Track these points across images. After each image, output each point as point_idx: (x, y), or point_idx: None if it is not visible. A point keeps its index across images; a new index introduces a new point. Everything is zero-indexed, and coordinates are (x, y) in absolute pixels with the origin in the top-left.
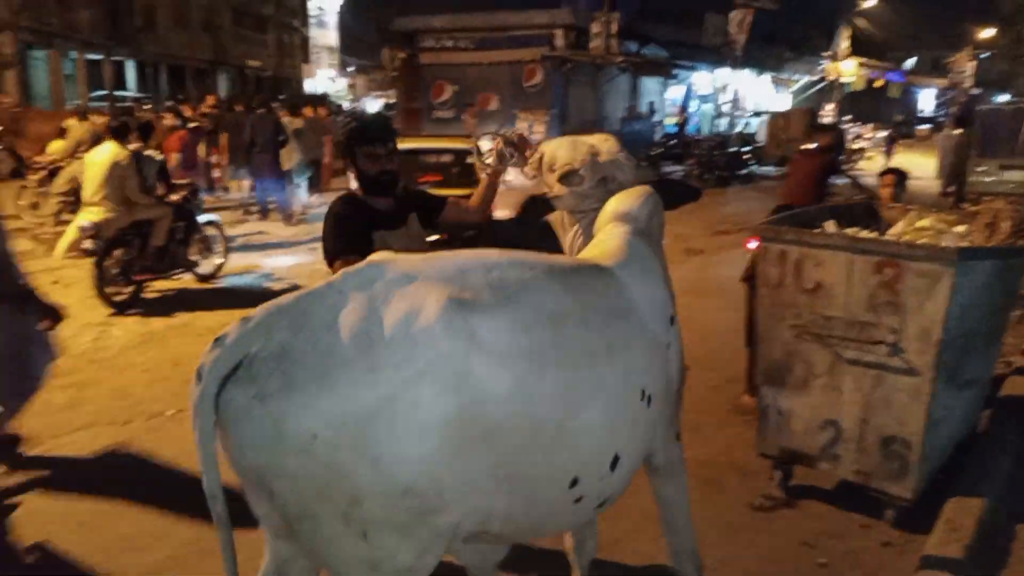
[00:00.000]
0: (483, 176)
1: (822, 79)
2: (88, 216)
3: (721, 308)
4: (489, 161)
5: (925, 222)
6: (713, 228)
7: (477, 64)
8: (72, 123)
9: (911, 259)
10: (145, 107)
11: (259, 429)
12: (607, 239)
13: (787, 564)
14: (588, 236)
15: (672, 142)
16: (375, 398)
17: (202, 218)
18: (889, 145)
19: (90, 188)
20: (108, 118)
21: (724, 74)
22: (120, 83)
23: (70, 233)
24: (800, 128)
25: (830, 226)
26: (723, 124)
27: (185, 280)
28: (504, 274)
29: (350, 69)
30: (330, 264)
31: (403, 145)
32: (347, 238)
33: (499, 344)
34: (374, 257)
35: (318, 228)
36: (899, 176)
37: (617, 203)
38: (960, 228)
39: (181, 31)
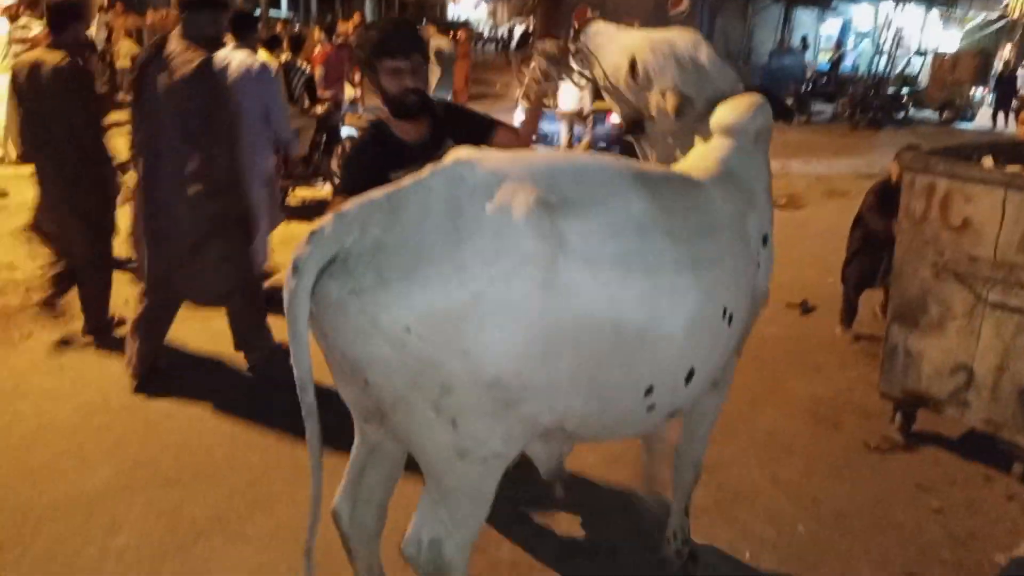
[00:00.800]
0: (525, 101)
1: (1002, 16)
2: None
3: None
4: (534, 79)
5: None
6: (859, 172)
7: None
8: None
9: None
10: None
11: (354, 322)
12: (709, 152)
13: (897, 505)
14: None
15: (823, 80)
16: (464, 295)
17: (344, 131)
18: None
19: None
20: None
21: (887, 8)
22: (274, 2)
23: None
24: (969, 73)
25: (987, 161)
26: (882, 63)
27: (326, 191)
28: (594, 178)
29: None
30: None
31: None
32: (354, 177)
33: (586, 248)
34: (461, 153)
35: None
36: None
37: (725, 114)
38: None
39: None
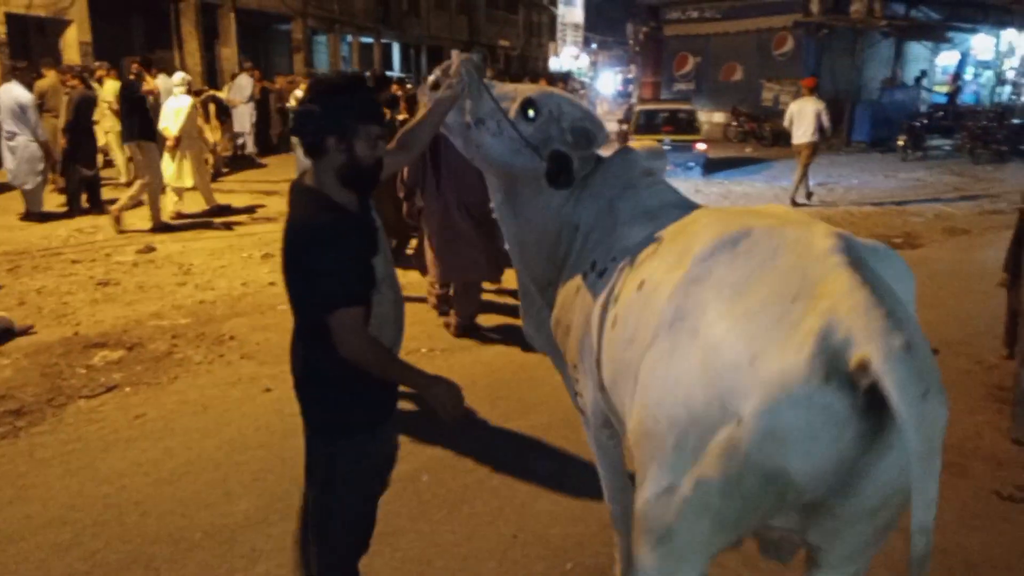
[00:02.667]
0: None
1: None
2: None
3: (980, 292)
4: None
5: None
6: (982, 207)
7: (723, 34)
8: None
9: None
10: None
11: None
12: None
13: None
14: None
15: (939, 113)
16: None
17: None
18: None
19: None
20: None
21: (1011, 36)
22: (387, 63)
23: None
24: None
25: None
26: (1006, 93)
27: None
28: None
29: (592, 46)
30: (330, 312)
31: (645, 107)
32: (358, 274)
33: None
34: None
35: None
36: None
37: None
38: None
39: (441, 14)
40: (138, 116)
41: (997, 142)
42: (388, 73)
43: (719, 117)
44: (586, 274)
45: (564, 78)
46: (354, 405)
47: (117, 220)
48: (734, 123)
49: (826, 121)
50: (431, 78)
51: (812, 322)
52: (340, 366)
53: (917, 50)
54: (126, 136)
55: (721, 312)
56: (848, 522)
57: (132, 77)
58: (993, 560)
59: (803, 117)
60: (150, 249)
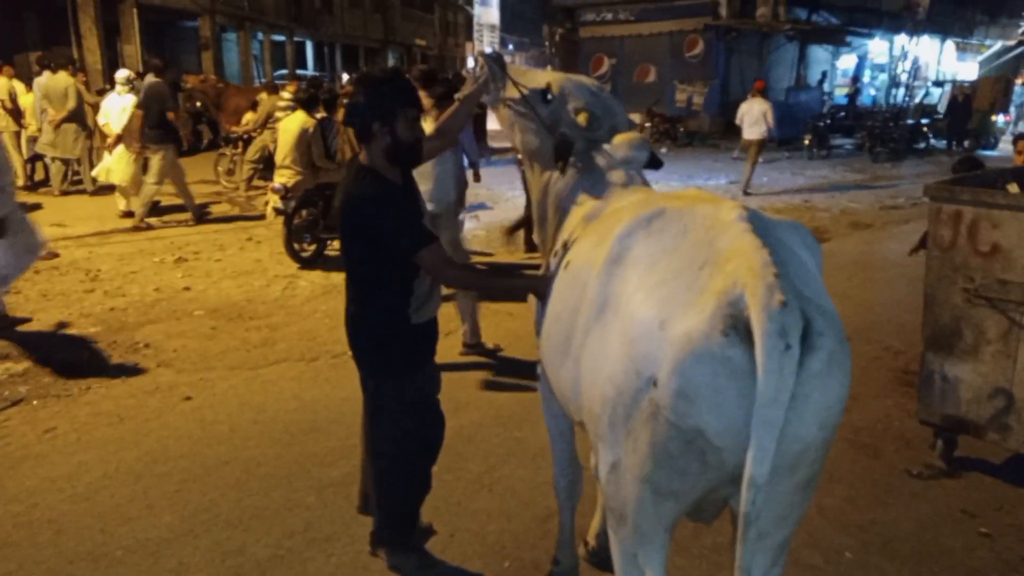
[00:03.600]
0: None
1: (1020, 43)
2: (281, 178)
3: (885, 281)
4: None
5: None
6: (882, 202)
7: (636, 36)
8: (263, 97)
9: None
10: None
11: (839, 390)
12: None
13: (944, 531)
14: (585, 182)
15: (841, 114)
16: None
17: None
18: None
19: (281, 152)
20: (296, 89)
21: (902, 41)
22: (301, 62)
23: (272, 198)
24: (991, 98)
25: (1013, 188)
26: (900, 95)
27: None
28: None
29: (510, 47)
30: (415, 252)
31: None
32: (419, 228)
33: None
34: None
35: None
36: None
37: (623, 144)
38: None
39: (356, 12)
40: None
41: (894, 140)
42: (299, 72)
43: (635, 118)
44: (556, 251)
45: None
46: (392, 353)
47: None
48: (648, 124)
49: (771, 121)
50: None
51: (717, 283)
52: (380, 323)
53: (819, 53)
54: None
55: (637, 285)
56: (743, 486)
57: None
58: (906, 535)
59: (752, 116)
60: (52, 255)
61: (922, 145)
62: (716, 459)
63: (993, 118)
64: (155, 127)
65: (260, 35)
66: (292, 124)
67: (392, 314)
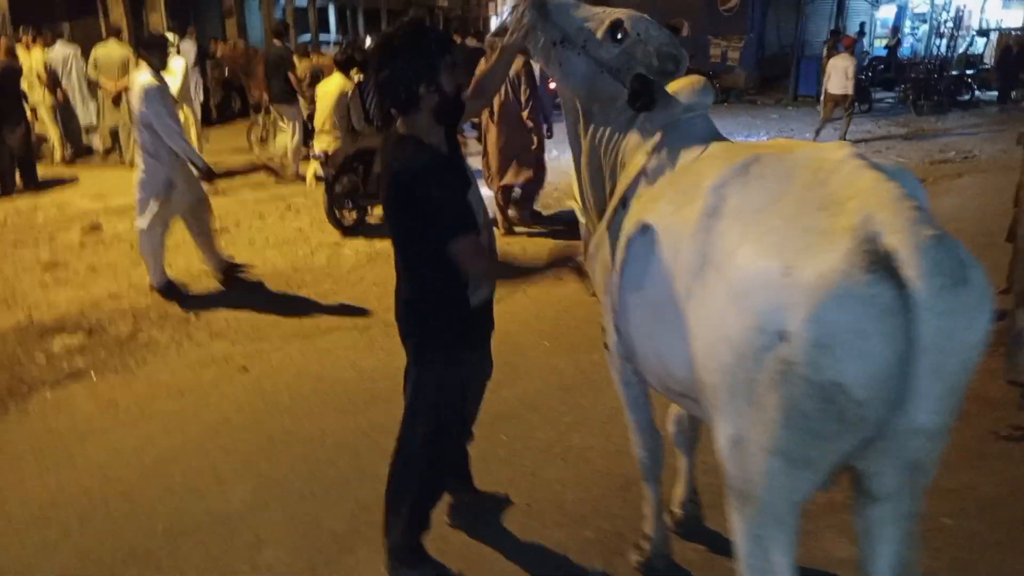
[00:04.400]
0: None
1: None
2: (320, 144)
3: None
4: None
5: None
6: (931, 156)
7: None
8: (295, 61)
9: None
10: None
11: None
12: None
13: None
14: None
15: (881, 66)
16: None
17: None
18: None
19: (320, 117)
20: (326, 56)
21: None
22: (323, 26)
23: (313, 165)
24: None
25: None
26: (943, 45)
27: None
28: None
29: None
30: (450, 241)
31: None
32: (463, 207)
33: None
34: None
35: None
36: None
37: (691, 89)
38: None
39: None
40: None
41: (938, 93)
42: (323, 36)
43: None
44: (616, 209)
45: None
46: (435, 337)
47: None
48: None
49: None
50: (498, 23)
51: (845, 220)
52: (431, 304)
53: (858, 4)
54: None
55: (743, 235)
56: (906, 437)
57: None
58: (1002, 497)
59: (837, 72)
60: (96, 228)
61: (967, 97)
62: (856, 415)
63: None
64: (283, 90)
65: (283, 1)
66: (331, 87)
67: (445, 295)
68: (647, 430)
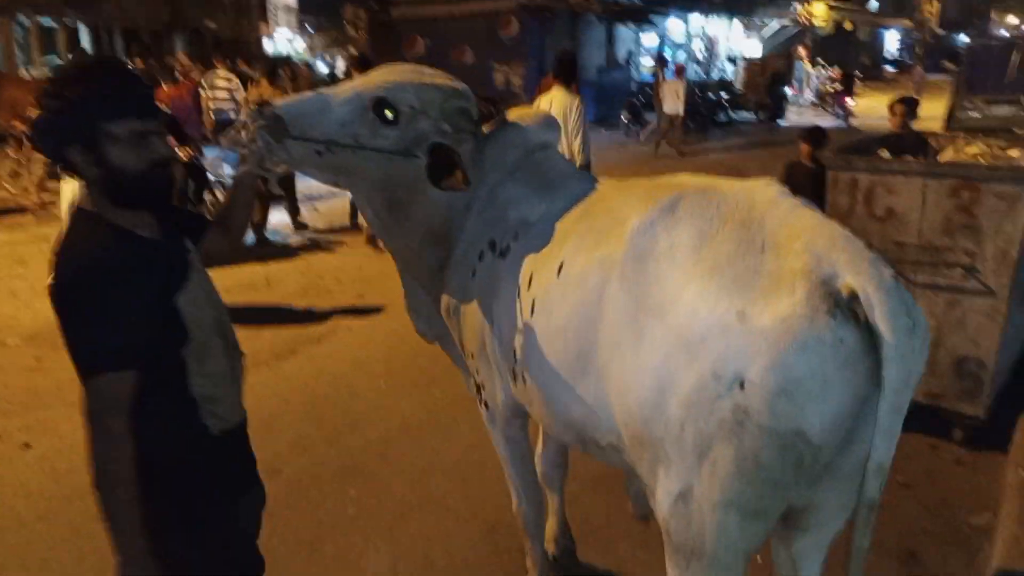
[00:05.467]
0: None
1: (794, 22)
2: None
3: None
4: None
5: (974, 148)
6: (707, 173)
7: (450, 17)
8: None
9: (990, 181)
10: None
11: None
12: None
13: None
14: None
15: (649, 90)
16: None
17: (212, 177)
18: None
19: None
20: None
21: (697, 20)
22: (75, 48)
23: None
24: (780, 72)
25: (884, 154)
26: (699, 71)
27: None
28: None
29: (310, 30)
30: (91, 375)
31: None
32: (139, 323)
33: None
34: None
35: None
36: (908, 105)
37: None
38: (1015, 152)
39: None
40: None
41: (700, 115)
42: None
43: None
44: (482, 254)
45: (285, 62)
46: (184, 492)
47: None
48: None
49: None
50: (226, 137)
51: (794, 263)
52: (158, 444)
53: (625, 33)
54: None
55: (685, 278)
56: (847, 475)
57: None
58: None
59: (670, 93)
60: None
61: (724, 118)
62: (812, 460)
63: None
64: None
65: (24, 20)
66: None
67: (175, 430)
68: (532, 485)
